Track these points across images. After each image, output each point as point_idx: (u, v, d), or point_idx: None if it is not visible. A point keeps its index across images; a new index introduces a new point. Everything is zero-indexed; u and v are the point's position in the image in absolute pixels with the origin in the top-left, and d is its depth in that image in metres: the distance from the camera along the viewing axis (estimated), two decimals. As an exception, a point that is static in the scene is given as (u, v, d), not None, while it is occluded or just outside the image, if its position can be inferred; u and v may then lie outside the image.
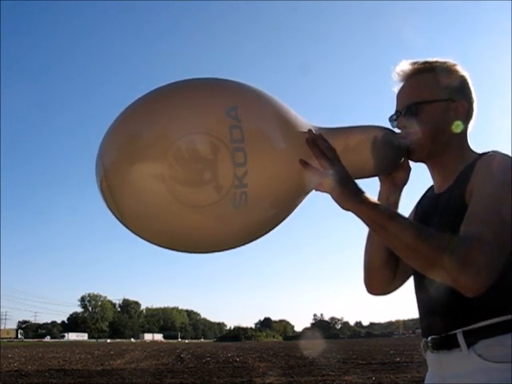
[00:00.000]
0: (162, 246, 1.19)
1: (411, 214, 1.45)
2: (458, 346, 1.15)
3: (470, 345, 1.13)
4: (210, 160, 1.07)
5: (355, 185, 1.15)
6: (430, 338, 1.25)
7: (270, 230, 1.23)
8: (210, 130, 1.08)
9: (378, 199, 1.35)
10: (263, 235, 1.23)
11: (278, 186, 1.16)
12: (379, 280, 1.41)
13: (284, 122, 1.18)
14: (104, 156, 1.12)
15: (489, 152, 1.23)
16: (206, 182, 1.08)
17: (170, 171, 1.06)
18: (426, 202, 1.40)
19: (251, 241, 1.22)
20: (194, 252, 1.22)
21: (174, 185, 1.07)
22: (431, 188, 1.40)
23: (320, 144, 1.17)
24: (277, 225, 1.23)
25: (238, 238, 1.21)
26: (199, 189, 1.08)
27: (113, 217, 1.15)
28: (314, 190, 1.22)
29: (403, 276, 1.40)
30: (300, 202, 1.25)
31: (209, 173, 1.07)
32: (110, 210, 1.14)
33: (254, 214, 1.15)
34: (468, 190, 1.17)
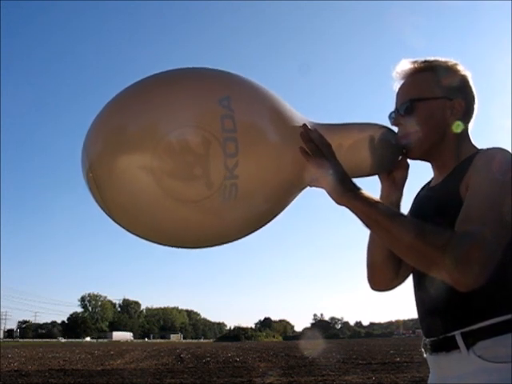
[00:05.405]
0: (148, 240, 1.16)
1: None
2: (456, 347, 1.14)
3: (469, 346, 1.12)
4: (201, 154, 1.04)
5: (350, 181, 1.14)
6: (428, 341, 1.24)
7: (263, 226, 1.20)
8: (202, 123, 1.05)
9: (379, 198, 1.33)
10: (255, 230, 1.20)
11: (269, 179, 1.13)
12: (382, 276, 1.40)
13: (278, 115, 1.16)
14: (90, 146, 1.09)
15: (490, 148, 1.21)
16: (196, 177, 1.05)
17: (160, 163, 1.04)
18: (422, 194, 1.40)
19: (243, 236, 1.19)
20: (183, 247, 1.19)
21: (163, 177, 1.04)
22: (428, 183, 1.40)
23: (315, 139, 1.16)
24: (269, 220, 1.20)
25: (229, 233, 1.18)
26: (189, 184, 1.06)
27: (100, 210, 1.12)
28: (308, 187, 1.20)
29: (406, 271, 1.39)
30: (293, 199, 1.22)
31: (200, 168, 1.05)
32: (96, 201, 1.11)
33: (244, 208, 1.12)
34: (464, 182, 1.16)
